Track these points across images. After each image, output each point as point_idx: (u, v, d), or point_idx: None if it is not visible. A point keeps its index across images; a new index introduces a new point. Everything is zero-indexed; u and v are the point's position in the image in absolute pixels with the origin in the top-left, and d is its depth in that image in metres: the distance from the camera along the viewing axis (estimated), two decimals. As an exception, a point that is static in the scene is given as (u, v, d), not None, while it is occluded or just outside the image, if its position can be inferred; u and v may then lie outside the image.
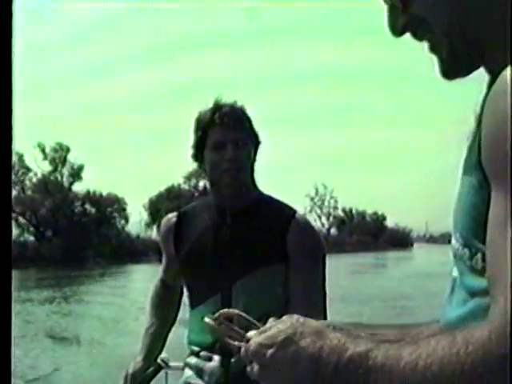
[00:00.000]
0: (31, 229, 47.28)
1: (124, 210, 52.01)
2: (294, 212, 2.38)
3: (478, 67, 1.07)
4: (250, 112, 2.41)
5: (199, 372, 2.35)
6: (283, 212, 2.38)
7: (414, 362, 0.84)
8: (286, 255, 2.30)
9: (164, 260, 2.64)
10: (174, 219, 2.50)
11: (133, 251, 47.06)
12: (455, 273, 1.07)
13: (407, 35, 1.10)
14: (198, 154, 2.38)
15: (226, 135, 2.30)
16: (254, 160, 2.40)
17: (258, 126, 2.42)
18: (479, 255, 0.98)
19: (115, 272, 35.29)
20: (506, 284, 0.82)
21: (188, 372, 2.41)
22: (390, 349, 0.89)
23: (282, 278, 2.31)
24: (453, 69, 1.08)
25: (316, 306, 2.29)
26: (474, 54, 1.06)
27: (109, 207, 50.84)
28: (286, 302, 2.31)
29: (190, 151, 2.42)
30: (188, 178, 58.04)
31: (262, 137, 2.42)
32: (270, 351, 0.98)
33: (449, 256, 1.08)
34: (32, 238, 46.70)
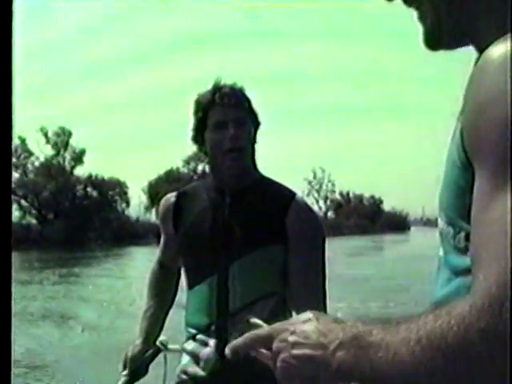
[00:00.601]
0: (33, 212, 47.55)
1: (125, 193, 52.39)
2: (294, 194, 2.34)
3: (464, 44, 1.07)
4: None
5: (195, 358, 2.34)
6: (283, 194, 2.34)
7: (407, 336, 0.85)
8: (284, 237, 2.26)
9: (162, 240, 2.61)
10: (173, 199, 2.47)
11: (133, 234, 47.33)
12: (441, 252, 1.08)
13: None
14: (199, 135, 2.35)
15: (226, 114, 2.27)
16: (254, 141, 2.36)
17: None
18: (462, 234, 0.99)
19: (116, 254, 35.43)
20: (486, 261, 0.83)
21: (185, 358, 2.40)
22: (390, 326, 0.90)
23: (280, 260, 2.28)
24: (435, 39, 1.08)
25: (316, 289, 2.29)
26: (459, 29, 1.05)
27: (110, 191, 51.15)
28: (283, 284, 2.30)
29: (190, 133, 2.39)
30: (187, 162, 58.25)
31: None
32: (291, 328, 0.99)
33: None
34: (34, 221, 46.98)
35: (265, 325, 1.11)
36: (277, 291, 2.30)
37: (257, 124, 2.37)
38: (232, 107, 2.28)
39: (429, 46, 1.09)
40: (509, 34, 0.90)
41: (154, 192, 52.91)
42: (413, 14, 1.10)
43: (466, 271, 0.96)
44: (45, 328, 12.42)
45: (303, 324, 0.99)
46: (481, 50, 0.97)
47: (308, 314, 1.01)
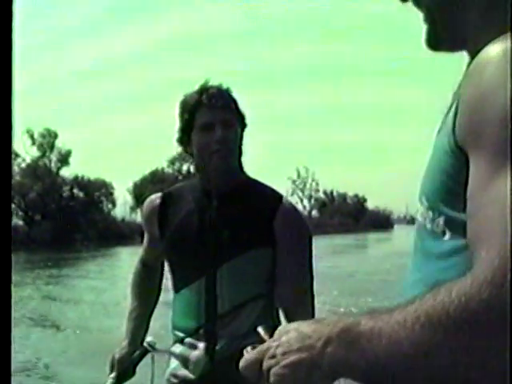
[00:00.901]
0: (20, 213, 47.20)
1: (111, 194, 52.32)
2: (281, 197, 2.33)
3: (460, 48, 1.10)
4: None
5: (184, 361, 2.31)
6: (270, 196, 2.33)
7: (402, 318, 0.84)
8: (272, 240, 2.25)
9: (146, 240, 2.57)
10: (158, 200, 2.43)
11: (119, 234, 47.26)
12: (416, 239, 1.10)
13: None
14: (185, 137, 2.31)
15: (214, 116, 2.23)
16: (241, 143, 2.33)
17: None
18: (441, 218, 1.00)
19: (103, 254, 35.32)
20: (488, 238, 0.83)
21: (174, 362, 2.38)
22: (381, 314, 0.88)
23: (268, 262, 2.27)
24: (433, 41, 1.13)
25: (304, 291, 2.28)
26: (452, 33, 1.10)
27: (96, 192, 51.06)
28: (271, 286, 2.29)
29: (176, 135, 2.34)
30: (172, 162, 58.21)
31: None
32: (275, 343, 0.98)
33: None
34: (21, 223, 46.59)
35: (266, 337, 1.07)
36: (264, 293, 2.29)
37: (243, 126, 2.35)
38: (219, 109, 2.25)
39: (429, 46, 1.14)
40: (508, 34, 0.94)
41: (139, 192, 52.78)
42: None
43: (441, 255, 1.01)
44: (30, 328, 12.27)
45: (286, 335, 0.98)
46: (472, 55, 1.02)
47: (288, 326, 1.00)
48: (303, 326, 0.97)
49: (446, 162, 0.98)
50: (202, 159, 2.29)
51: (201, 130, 2.25)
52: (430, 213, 1.03)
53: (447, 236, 1.00)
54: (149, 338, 2.55)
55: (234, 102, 2.32)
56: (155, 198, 2.46)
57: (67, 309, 15.02)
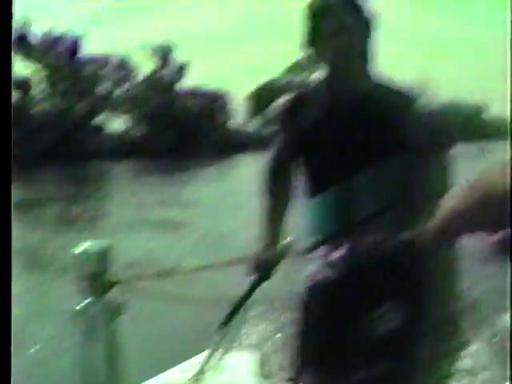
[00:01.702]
0: (140, 123, 48.74)
1: (228, 104, 53.07)
2: (414, 99, 2.26)
3: None
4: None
5: (324, 263, 2.32)
6: (401, 100, 2.25)
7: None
8: (408, 147, 2.20)
9: (278, 143, 2.50)
10: (292, 100, 2.38)
11: (236, 143, 48.25)
12: None
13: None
14: (313, 40, 2.26)
15: (341, 21, 2.18)
16: (369, 49, 2.26)
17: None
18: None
19: (222, 163, 36.51)
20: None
21: (312, 263, 2.36)
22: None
23: (404, 169, 2.23)
24: None
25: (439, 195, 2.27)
26: None
27: (214, 102, 51.57)
28: (408, 194, 2.24)
29: (304, 39, 2.28)
30: (289, 71, 58.18)
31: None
32: None
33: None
34: (141, 132, 48.15)
35: None
36: (401, 201, 2.23)
37: (370, 31, 2.27)
38: (346, 14, 2.21)
39: None
40: None
41: (256, 101, 53.23)
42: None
43: None
44: (154, 231, 12.80)
45: None
46: None
47: None
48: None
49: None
50: (334, 62, 2.23)
51: (329, 36, 2.18)
52: None
53: None
54: (287, 240, 2.53)
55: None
56: (286, 100, 2.39)
57: (193, 212, 15.69)
